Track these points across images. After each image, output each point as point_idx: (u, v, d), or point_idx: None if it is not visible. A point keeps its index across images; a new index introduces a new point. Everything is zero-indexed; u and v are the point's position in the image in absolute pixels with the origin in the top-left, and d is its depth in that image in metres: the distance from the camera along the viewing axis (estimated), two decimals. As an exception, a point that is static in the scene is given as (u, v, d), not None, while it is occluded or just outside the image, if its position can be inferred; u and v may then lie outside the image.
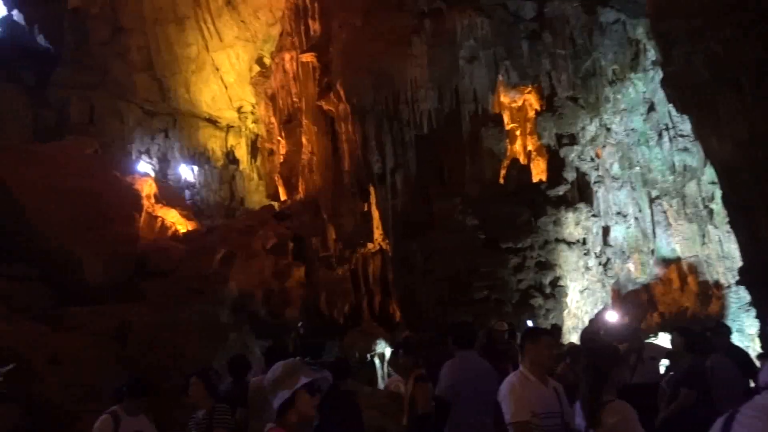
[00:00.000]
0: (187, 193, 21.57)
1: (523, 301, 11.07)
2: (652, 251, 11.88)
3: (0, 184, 12.69)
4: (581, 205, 11.82)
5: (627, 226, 12.02)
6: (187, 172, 22.22)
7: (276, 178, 18.95)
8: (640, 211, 12.00)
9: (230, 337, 11.13)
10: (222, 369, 8.13)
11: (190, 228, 17.21)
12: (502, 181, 12.72)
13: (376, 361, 13.08)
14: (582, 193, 12.19)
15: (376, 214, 14.20)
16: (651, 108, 11.93)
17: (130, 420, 4.09)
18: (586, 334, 10.37)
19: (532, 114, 13.32)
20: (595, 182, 12.17)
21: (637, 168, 12.01)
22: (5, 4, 22.04)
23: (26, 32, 21.92)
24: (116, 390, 4.33)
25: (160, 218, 16.71)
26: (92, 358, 10.24)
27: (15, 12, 22.10)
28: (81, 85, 19.93)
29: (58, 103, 19.90)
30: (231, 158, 22.85)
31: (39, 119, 19.27)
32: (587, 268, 11.68)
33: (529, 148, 13.59)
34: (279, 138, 18.75)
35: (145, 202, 16.14)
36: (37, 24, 21.49)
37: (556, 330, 9.40)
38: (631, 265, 12.08)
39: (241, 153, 22.78)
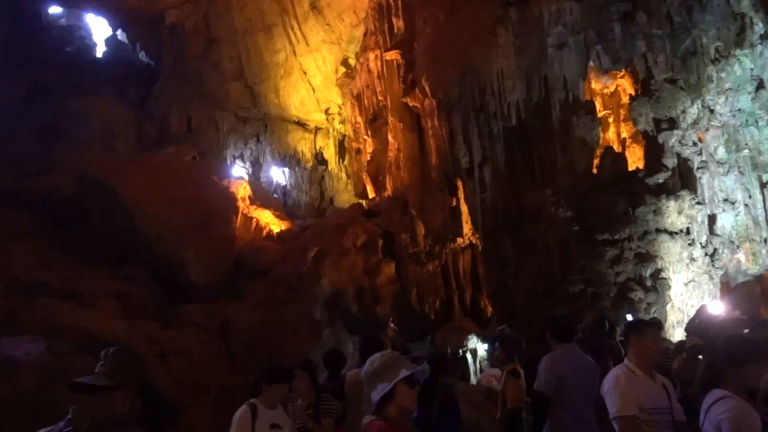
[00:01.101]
0: (279, 194, 22.28)
1: (622, 295, 10.60)
2: (765, 240, 11.05)
3: (112, 193, 13.61)
4: (684, 193, 11.16)
5: (735, 214, 11.23)
6: (278, 175, 22.95)
7: (364, 176, 19.20)
8: (749, 197, 11.17)
9: (324, 333, 11.41)
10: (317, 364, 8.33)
11: (283, 228, 17.78)
12: (595, 170, 12.25)
13: (468, 356, 12.98)
14: (684, 180, 11.51)
15: (464, 208, 14.07)
16: (760, 86, 11.08)
17: (267, 412, 4.07)
18: (690, 327, 9.83)
19: (626, 99, 12.73)
20: (698, 168, 11.45)
21: (746, 151, 11.19)
22: (110, 25, 23.62)
23: (129, 50, 23.44)
24: (254, 384, 4.33)
25: (254, 219, 17.36)
26: (198, 354, 10.82)
27: (119, 32, 23.67)
28: (179, 96, 21.04)
29: (159, 115, 21.10)
30: (320, 159, 23.39)
31: (142, 131, 20.51)
32: (692, 260, 11.01)
33: (624, 135, 13.00)
34: (365, 137, 18.98)
35: (241, 204, 16.83)
36: (139, 42, 22.91)
37: (657, 324, 8.95)
38: (741, 255, 11.28)
39: (330, 153, 23.26)
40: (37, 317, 9.31)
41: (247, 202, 17.74)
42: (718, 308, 9.96)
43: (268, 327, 11.64)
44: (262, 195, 19.29)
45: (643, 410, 3.55)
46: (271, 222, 17.89)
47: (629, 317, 9.49)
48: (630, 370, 3.71)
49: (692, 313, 10.48)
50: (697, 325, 9.60)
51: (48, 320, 9.20)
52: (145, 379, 2.38)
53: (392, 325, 11.91)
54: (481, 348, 13.16)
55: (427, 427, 3.29)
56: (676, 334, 10.22)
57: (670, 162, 11.49)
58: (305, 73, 21.58)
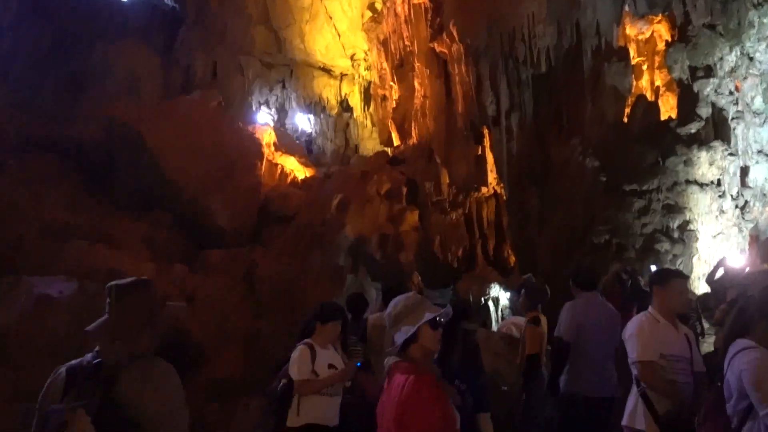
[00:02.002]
0: (304, 141, 22.25)
1: (648, 246, 10.49)
2: (799, 193, 10.79)
3: (139, 140, 13.72)
4: (716, 144, 10.86)
5: (770, 166, 10.95)
6: (303, 122, 22.86)
7: (389, 124, 19.04)
8: (785, 149, 10.87)
9: (347, 279, 11.54)
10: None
11: (307, 175, 17.82)
12: (626, 120, 11.96)
13: (490, 304, 13.09)
14: (718, 130, 11.18)
15: (490, 157, 13.94)
16: (804, 32, 10.61)
17: (323, 352, 4.00)
18: (710, 279, 9.72)
19: (661, 46, 12.29)
20: (733, 118, 11.09)
21: (785, 101, 10.82)
22: (134, -32, 23.29)
23: (155, -6, 23.14)
24: (306, 323, 4.16)
25: (279, 166, 17.41)
26: (224, 298, 11.07)
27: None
28: (204, 42, 20.84)
29: (184, 61, 20.99)
30: (345, 106, 23.18)
31: (168, 78, 20.45)
32: (721, 212, 10.81)
33: (658, 83, 12.61)
34: (391, 83, 18.72)
35: (266, 151, 16.86)
36: (164, -16, 22.60)
37: (682, 274, 8.86)
38: (772, 208, 11.06)
39: (355, 101, 23.02)
40: (68, 259, 9.58)
41: (272, 148, 17.76)
42: (738, 260, 9.83)
43: (292, 273, 11.82)
44: (287, 142, 19.28)
45: (663, 357, 3.56)
46: (295, 169, 17.93)
47: (653, 269, 9.43)
48: (654, 318, 3.71)
49: (719, 266, 10.35)
50: (719, 278, 9.49)
51: (79, 262, 9.46)
52: (157, 305, 2.40)
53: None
54: (503, 297, 13.25)
55: (447, 370, 3.33)
56: (702, 286, 10.14)
57: (704, 111, 11.15)
58: (331, 17, 21.17)
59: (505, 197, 13.15)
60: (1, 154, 11.92)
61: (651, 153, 10.97)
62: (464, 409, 3.45)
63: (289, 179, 17.34)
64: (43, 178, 12.72)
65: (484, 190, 14.68)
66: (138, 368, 2.18)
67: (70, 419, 2.06)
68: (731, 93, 11.18)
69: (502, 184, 13.38)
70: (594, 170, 11.17)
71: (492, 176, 14.43)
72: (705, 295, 9.55)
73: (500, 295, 13.30)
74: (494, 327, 12.09)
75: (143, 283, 2.39)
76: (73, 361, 2.30)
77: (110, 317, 2.32)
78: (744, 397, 3.01)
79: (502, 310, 13.27)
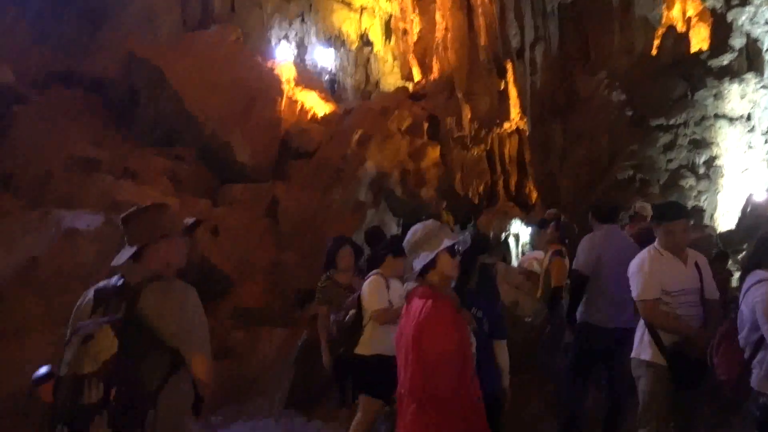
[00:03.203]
0: (324, 76, 21.96)
1: (672, 182, 10.34)
2: (832, 127, 10.45)
3: (158, 75, 13.67)
4: (749, 76, 10.48)
5: (803, 99, 10.58)
6: (323, 57, 22.50)
7: (410, 58, 18.67)
8: (821, 81, 10.46)
9: (368, 214, 11.61)
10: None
11: (328, 111, 17.68)
12: (655, 52, 11.57)
13: (511, 240, 13.14)
14: (751, 62, 10.76)
15: (513, 92, 13.66)
16: None
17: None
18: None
19: (695, -28, 11.75)
20: (768, 49, 10.69)
21: (823, 30, 10.34)
22: None
23: None
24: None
25: (299, 101, 17.27)
26: (247, 232, 11.26)
27: None
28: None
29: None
30: (365, 41, 22.69)
31: (186, 12, 20.13)
32: (750, 147, 10.54)
33: (689, 13, 12.09)
34: (412, 16, 18.24)
35: (285, 86, 16.70)
36: None
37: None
38: (804, 143, 10.75)
39: (375, 35, 22.50)
40: (94, 192, 9.76)
41: (292, 84, 17.58)
42: (765, 197, 9.68)
43: (313, 207, 11.93)
44: (307, 77, 19.05)
45: (667, 293, 3.55)
46: (316, 104, 17.78)
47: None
48: (658, 252, 3.67)
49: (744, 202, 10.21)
50: (746, 214, 9.39)
51: (105, 195, 9.63)
52: (170, 224, 2.46)
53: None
54: (524, 232, 13.27)
55: (465, 299, 3.38)
56: (727, 222, 10.04)
57: (738, 42, 10.72)
58: (351, -54, 20.52)
59: (527, 132, 12.95)
60: (25, 89, 11.98)
61: (680, 86, 10.66)
62: (481, 336, 3.53)
63: (309, 115, 17.23)
64: (67, 114, 12.82)
65: (506, 125, 14.47)
66: (156, 287, 2.26)
67: (96, 333, 2.17)
68: (767, 22, 10.71)
69: (525, 119, 13.15)
70: (620, 104, 10.92)
71: (515, 111, 14.18)
72: (729, 232, 9.47)
73: (521, 230, 13.32)
74: (514, 263, 12.17)
75: (148, 207, 2.47)
76: (101, 283, 2.42)
77: (128, 243, 2.43)
78: (756, 328, 3.03)
79: (522, 246, 13.33)
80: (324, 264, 5.10)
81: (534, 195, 13.96)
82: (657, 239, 3.75)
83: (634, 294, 3.70)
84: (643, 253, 3.76)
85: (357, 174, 12.73)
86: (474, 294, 3.66)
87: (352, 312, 3.95)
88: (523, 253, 12.63)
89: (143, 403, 2.18)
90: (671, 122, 10.47)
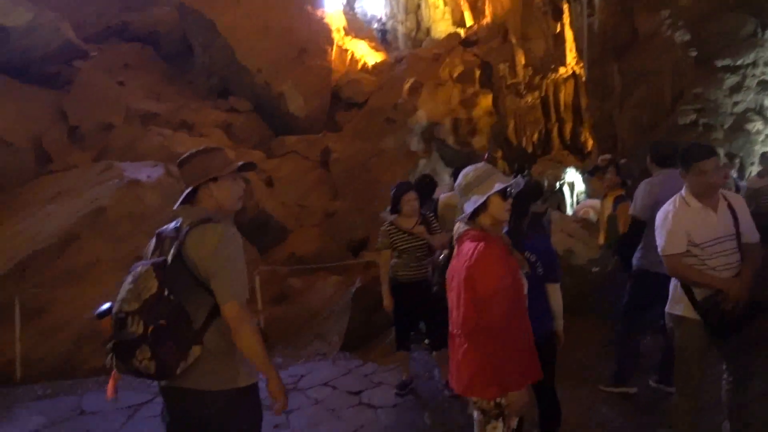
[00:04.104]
0: (373, 25, 21.64)
1: (738, 126, 9.84)
2: None
3: (210, 25, 13.75)
4: (826, 11, 9.79)
5: None
6: (373, 5, 22.12)
7: (461, 2, 18.14)
8: None
9: (420, 164, 11.59)
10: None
11: (378, 60, 17.49)
12: (724, -14, 10.88)
13: (565, 189, 12.90)
14: (828, -5, 10.03)
15: (569, 35, 13.16)
16: None
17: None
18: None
19: None
20: None
21: None
22: None
23: None
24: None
25: (350, 51, 17.13)
26: (301, 181, 11.43)
27: None
28: None
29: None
30: (415, -14, 22.15)
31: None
32: (825, 87, 9.93)
33: (764, -58, 11.27)
34: (464, -42, 17.64)
35: (336, 36, 16.56)
36: None
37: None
38: None
39: (426, -21, 21.92)
40: (153, 144, 10.06)
41: (342, 33, 17.42)
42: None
43: (365, 157, 11.97)
44: (356, 26, 18.83)
45: (695, 245, 3.41)
46: (366, 54, 17.61)
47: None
48: (684, 202, 3.50)
49: (817, 146, 9.66)
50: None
51: (163, 147, 9.91)
52: (219, 164, 2.55)
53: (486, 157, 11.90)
54: (579, 181, 13.00)
55: (518, 243, 3.38)
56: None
57: (814, -26, 9.96)
58: None
59: (584, 76, 12.51)
60: (84, 44, 12.28)
61: (749, 24, 10.02)
62: (534, 278, 3.54)
63: (359, 65, 17.10)
64: (124, 66, 13.12)
65: (562, 70, 14.00)
66: (200, 230, 2.37)
67: (141, 273, 2.32)
68: None
69: (581, 63, 12.68)
70: (683, 44, 10.37)
71: (571, 55, 13.69)
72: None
73: (575, 179, 13.05)
74: (568, 211, 11.98)
75: (201, 150, 2.56)
76: (163, 227, 2.56)
77: (185, 185, 2.54)
78: None
79: (577, 195, 13.08)
80: (389, 208, 5.19)
81: (590, 142, 13.58)
82: (685, 186, 3.58)
83: (658, 249, 3.59)
84: (668, 205, 3.59)
85: (408, 123, 12.64)
86: (527, 238, 3.66)
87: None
88: (577, 202, 12.41)
89: (187, 339, 2.32)
90: (738, 63, 9.91)
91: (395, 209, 5.12)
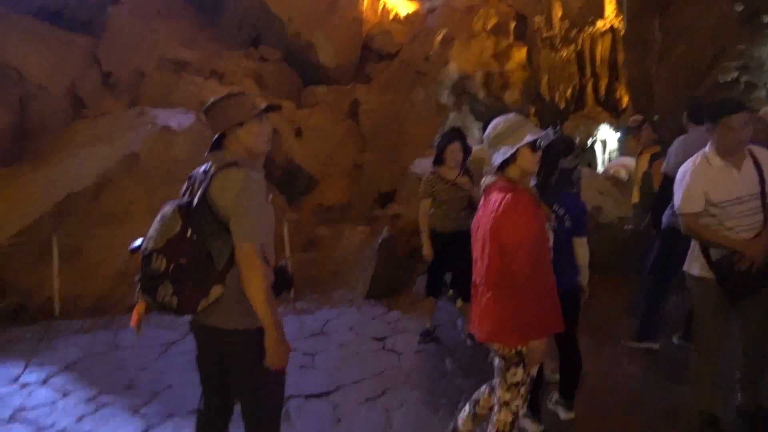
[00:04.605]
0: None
1: (782, 86, 9.52)
2: None
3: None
4: None
5: None
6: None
7: (498, -49, 17.52)
8: None
9: (450, 117, 11.48)
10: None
11: (410, 10, 17.13)
12: (776, -65, 10.33)
13: (597, 146, 12.69)
14: None
15: (610, -14, 12.70)
16: None
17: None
18: None
19: None
20: None
21: None
22: None
23: None
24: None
25: (381, 1, 16.80)
26: (331, 132, 11.43)
27: None
28: None
29: None
30: (451, -67, 21.45)
31: None
32: None
33: None
34: None
35: (368, -16, 16.21)
36: None
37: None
38: None
39: (462, -75, 21.19)
40: (184, 92, 10.11)
41: (374, -18, 17.05)
42: None
43: (395, 109, 11.88)
44: (389, -26, 18.37)
45: (713, 205, 3.34)
46: (398, 4, 17.23)
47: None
48: (705, 160, 3.41)
49: None
50: None
51: (195, 95, 9.96)
52: (244, 109, 2.58)
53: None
54: (612, 138, 12.77)
55: (546, 197, 3.38)
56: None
57: None
58: None
59: (622, 30, 12.12)
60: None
61: (802, -24, 9.55)
62: (561, 232, 3.55)
63: (391, 15, 16.78)
64: (157, 13, 13.08)
65: (599, 23, 13.56)
66: (225, 173, 2.43)
67: (167, 213, 2.42)
68: None
69: (620, 16, 12.28)
70: (729, -3, 9.96)
71: (610, 8, 13.25)
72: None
73: (608, 137, 12.82)
74: (600, 170, 11.82)
75: (224, 96, 2.59)
76: (194, 171, 2.63)
77: (213, 132, 2.59)
78: None
79: (609, 153, 12.87)
80: (434, 158, 5.19)
81: (625, 99, 13.25)
82: (710, 143, 3.49)
83: (675, 206, 3.54)
84: (688, 163, 3.51)
85: (439, 76, 12.46)
86: (556, 191, 3.65)
87: None
88: (609, 160, 12.22)
89: (208, 278, 2.40)
90: (787, 18, 9.49)
91: (439, 159, 5.12)
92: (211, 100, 2.58)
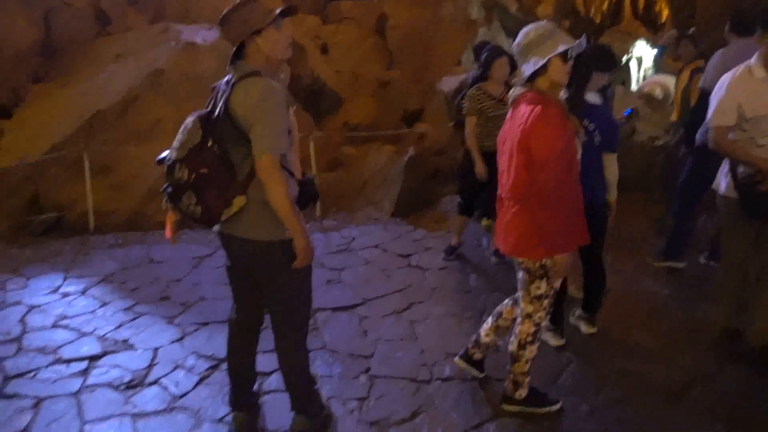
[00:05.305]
0: None
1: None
2: None
3: None
4: None
5: None
6: None
7: None
8: None
9: (480, 32, 11.10)
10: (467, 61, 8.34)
11: None
12: None
13: (632, 63, 12.22)
14: None
15: None
16: None
17: (590, 95, 3.85)
18: None
19: None
20: None
21: None
22: None
23: None
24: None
25: None
26: (357, 48, 11.18)
27: None
28: None
29: None
30: None
31: None
32: None
33: None
34: None
35: None
36: None
37: None
38: None
39: None
40: (206, 8, 9.89)
41: None
42: None
43: (423, 24, 11.51)
44: None
45: (747, 120, 3.22)
46: None
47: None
48: (748, 71, 3.25)
49: None
50: None
51: (217, 11, 9.72)
52: (258, 15, 2.46)
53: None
54: (648, 55, 12.26)
55: (576, 109, 3.30)
56: None
57: None
58: None
59: (666, -63, 11.39)
60: None
61: None
62: (590, 147, 3.49)
63: None
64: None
65: (641, -71, 12.74)
66: (244, 83, 2.41)
67: (189, 124, 2.46)
68: None
69: None
70: None
71: None
72: None
73: (644, 53, 12.30)
74: (634, 88, 11.43)
75: (238, 4, 2.51)
76: (218, 82, 2.62)
77: (231, 44, 2.54)
78: None
79: (645, 70, 12.39)
80: (478, 73, 5.04)
81: (664, 13, 12.61)
82: (757, 53, 3.33)
83: (707, 117, 3.42)
84: (728, 74, 3.35)
85: (469, -12, 11.95)
86: (587, 105, 3.55)
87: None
88: (644, 78, 11.78)
89: (229, 188, 2.43)
90: None
91: (484, 74, 4.97)
92: (225, 10, 2.52)
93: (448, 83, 9.15)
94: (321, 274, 4.98)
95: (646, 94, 8.89)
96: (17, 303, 4.69)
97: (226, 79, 2.56)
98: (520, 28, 2.90)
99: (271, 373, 3.47)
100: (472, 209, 5.32)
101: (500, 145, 2.95)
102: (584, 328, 3.97)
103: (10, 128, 7.29)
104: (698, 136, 4.67)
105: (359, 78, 10.58)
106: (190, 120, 2.49)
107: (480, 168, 4.82)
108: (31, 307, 4.61)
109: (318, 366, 3.60)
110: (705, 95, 4.53)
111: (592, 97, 3.86)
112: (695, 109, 4.75)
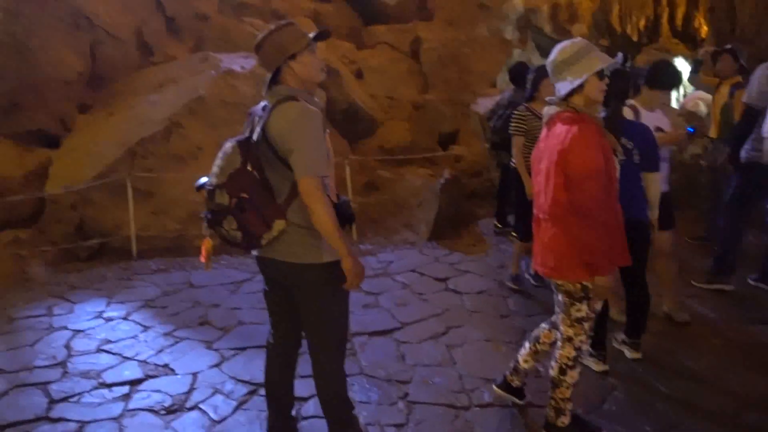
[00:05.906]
0: None
1: None
2: None
3: None
4: None
5: None
6: None
7: None
8: None
9: (515, 54, 11.08)
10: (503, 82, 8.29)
11: (474, -59, 16.40)
12: None
13: (673, 81, 11.98)
14: None
15: None
16: None
17: (649, 114, 3.97)
18: None
19: None
20: None
21: None
22: None
23: None
24: (626, 82, 3.66)
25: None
26: (391, 72, 11.26)
27: None
28: None
29: None
30: None
31: None
32: None
33: None
34: None
35: None
36: None
37: None
38: None
39: None
40: (244, 35, 10.11)
41: None
42: None
43: (457, 46, 11.54)
44: None
45: None
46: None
47: None
48: None
49: None
50: None
51: (255, 37, 9.91)
52: (293, 41, 2.52)
53: None
54: (687, 72, 12.04)
55: (615, 128, 3.24)
56: None
57: None
58: None
59: (703, -47, 11.24)
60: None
61: None
62: (629, 166, 3.42)
63: (453, -53, 16.11)
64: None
65: (678, -54, 12.61)
66: (281, 107, 2.44)
67: (228, 150, 2.48)
68: None
69: (702, -63, 11.36)
70: None
71: (690, -72, 12.26)
72: None
73: (684, 69, 12.08)
74: (674, 105, 11.21)
75: (272, 30, 2.55)
76: (254, 107, 2.66)
77: (266, 70, 2.58)
78: None
79: (684, 87, 12.16)
80: (527, 93, 5.02)
81: (704, 29, 12.39)
82: None
83: (763, 131, 3.30)
84: None
85: (503, 9, 11.97)
86: (626, 124, 3.49)
87: None
88: (684, 95, 11.55)
89: (270, 211, 2.44)
90: None
91: (532, 94, 4.95)
92: (260, 36, 2.56)
93: (483, 105, 9.12)
94: (358, 299, 4.97)
95: (689, 110, 8.70)
96: (63, 328, 4.80)
97: (262, 104, 2.60)
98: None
99: (309, 398, 3.45)
100: (530, 233, 5.21)
101: (535, 164, 2.91)
102: (629, 353, 3.85)
103: (58, 157, 7.53)
104: (743, 153, 4.55)
105: (394, 101, 10.63)
106: (228, 145, 2.52)
107: (530, 189, 4.76)
108: (76, 332, 4.71)
109: (356, 391, 3.57)
110: (750, 110, 4.43)
111: (629, 115, 3.80)
112: (740, 124, 4.62)
